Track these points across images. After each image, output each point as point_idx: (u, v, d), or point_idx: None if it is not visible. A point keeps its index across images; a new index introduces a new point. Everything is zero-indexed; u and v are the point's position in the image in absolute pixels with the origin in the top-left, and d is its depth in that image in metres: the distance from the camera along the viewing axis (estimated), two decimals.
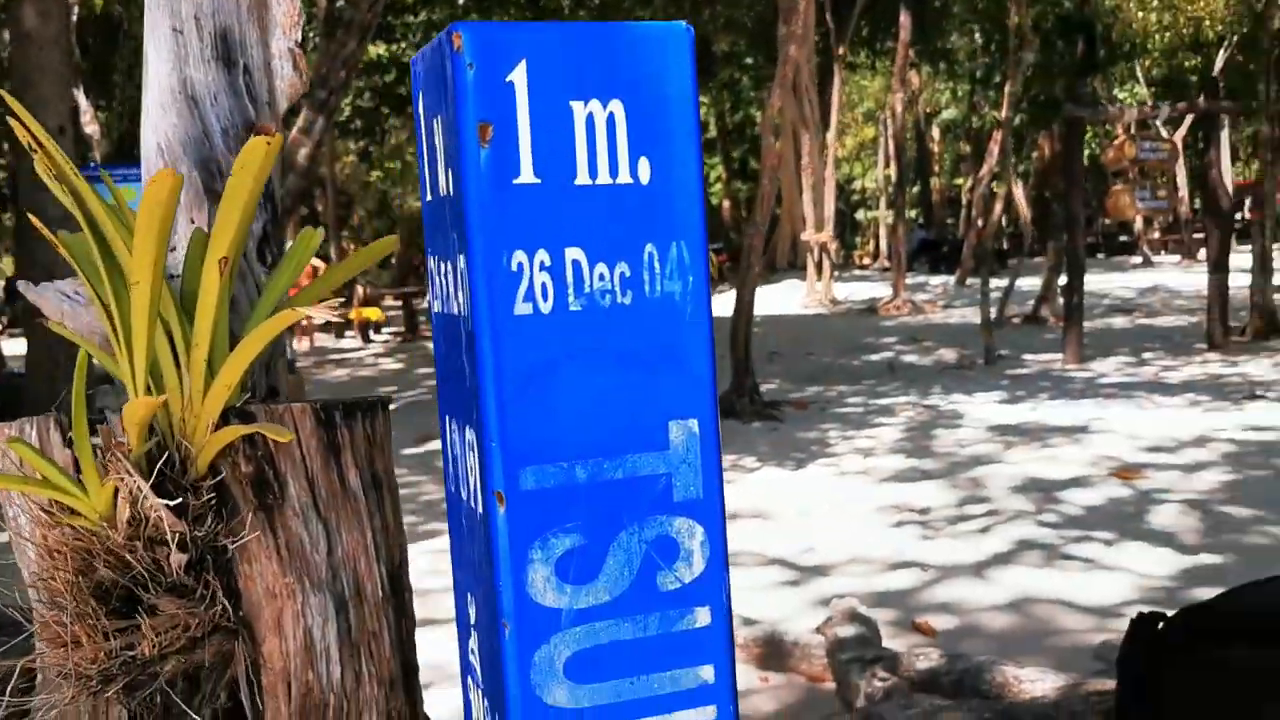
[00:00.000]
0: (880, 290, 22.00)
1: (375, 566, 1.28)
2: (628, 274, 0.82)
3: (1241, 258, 13.14)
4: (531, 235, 0.80)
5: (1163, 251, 32.41)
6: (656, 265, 0.83)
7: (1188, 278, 21.99)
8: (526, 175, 0.80)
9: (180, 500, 1.13)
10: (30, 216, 1.55)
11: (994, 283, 13.36)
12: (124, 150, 18.00)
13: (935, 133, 38.46)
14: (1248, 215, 22.33)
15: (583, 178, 0.81)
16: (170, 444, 1.17)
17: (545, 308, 0.80)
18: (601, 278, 0.82)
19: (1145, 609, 3.04)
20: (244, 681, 1.22)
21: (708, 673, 0.83)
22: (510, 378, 0.79)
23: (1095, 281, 15.88)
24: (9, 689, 1.35)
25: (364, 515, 1.27)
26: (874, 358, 13.72)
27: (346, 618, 1.25)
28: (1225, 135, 15.68)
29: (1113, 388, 10.25)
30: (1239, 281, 13.30)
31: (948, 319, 18.02)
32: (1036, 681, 3.65)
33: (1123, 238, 34.44)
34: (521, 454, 0.80)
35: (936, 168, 40.00)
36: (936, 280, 26.41)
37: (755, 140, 36.78)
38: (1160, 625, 2.82)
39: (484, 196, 0.78)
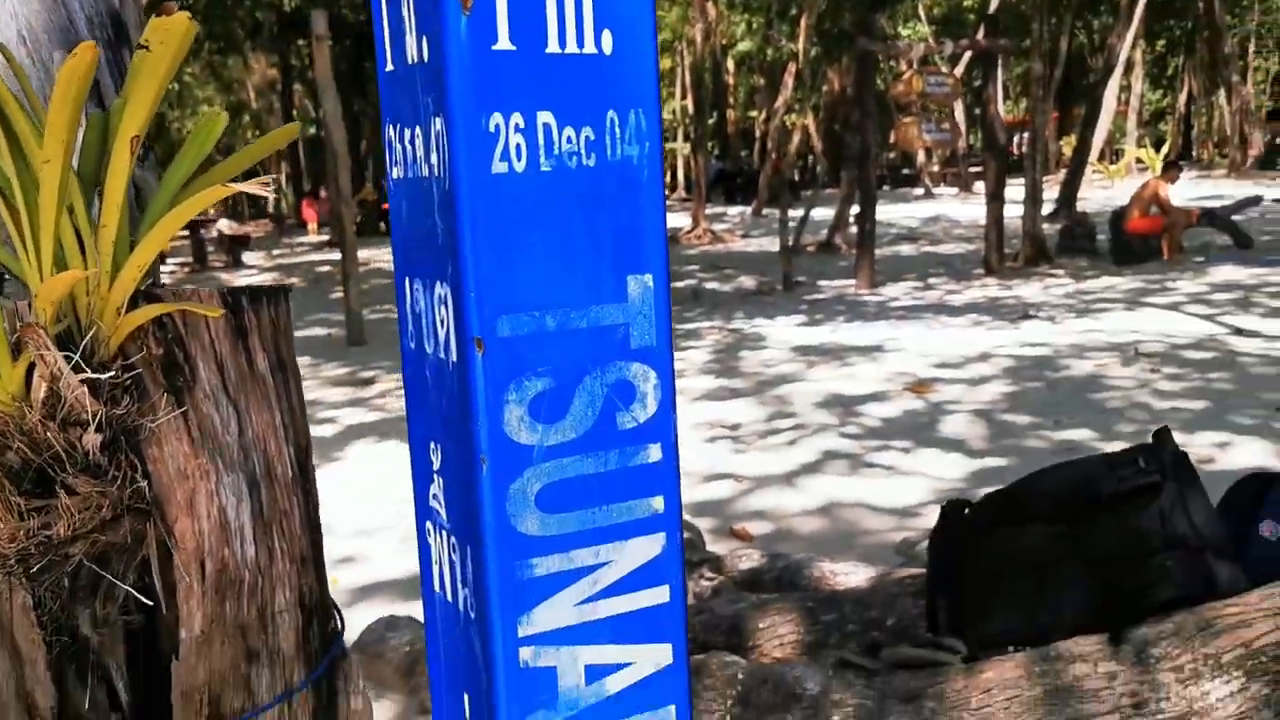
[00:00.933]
0: (680, 220, 22.39)
1: (284, 447, 1.31)
2: (592, 138, 0.89)
3: (1014, 190, 14.02)
4: (507, 98, 0.85)
5: (942, 184, 34.13)
6: (617, 130, 0.90)
7: (966, 209, 23.30)
8: (503, 42, 0.85)
9: (95, 380, 1.14)
10: None
11: (790, 213, 13.82)
12: None
13: (730, 65, 39.08)
14: (1020, 151, 23.74)
15: (553, 46, 0.87)
16: (79, 326, 1.16)
17: (519, 167, 0.86)
18: (569, 140, 0.88)
19: (946, 503, 3.32)
20: (155, 561, 1.24)
21: (659, 503, 0.92)
22: (487, 232, 0.84)
23: (882, 212, 16.61)
24: None
25: (272, 398, 1.30)
26: (678, 285, 14.03)
27: (259, 497, 1.28)
28: (999, 73, 16.60)
29: (903, 310, 10.85)
30: (1012, 212, 14.20)
31: (746, 248, 18.55)
32: (850, 574, 3.93)
33: (905, 171, 36.08)
34: (498, 304, 0.85)
35: (731, 100, 40.71)
36: (734, 210, 27.06)
37: None
38: (966, 511, 3.10)
39: (464, 61, 0.83)
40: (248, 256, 20.11)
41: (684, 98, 31.08)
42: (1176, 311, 9.80)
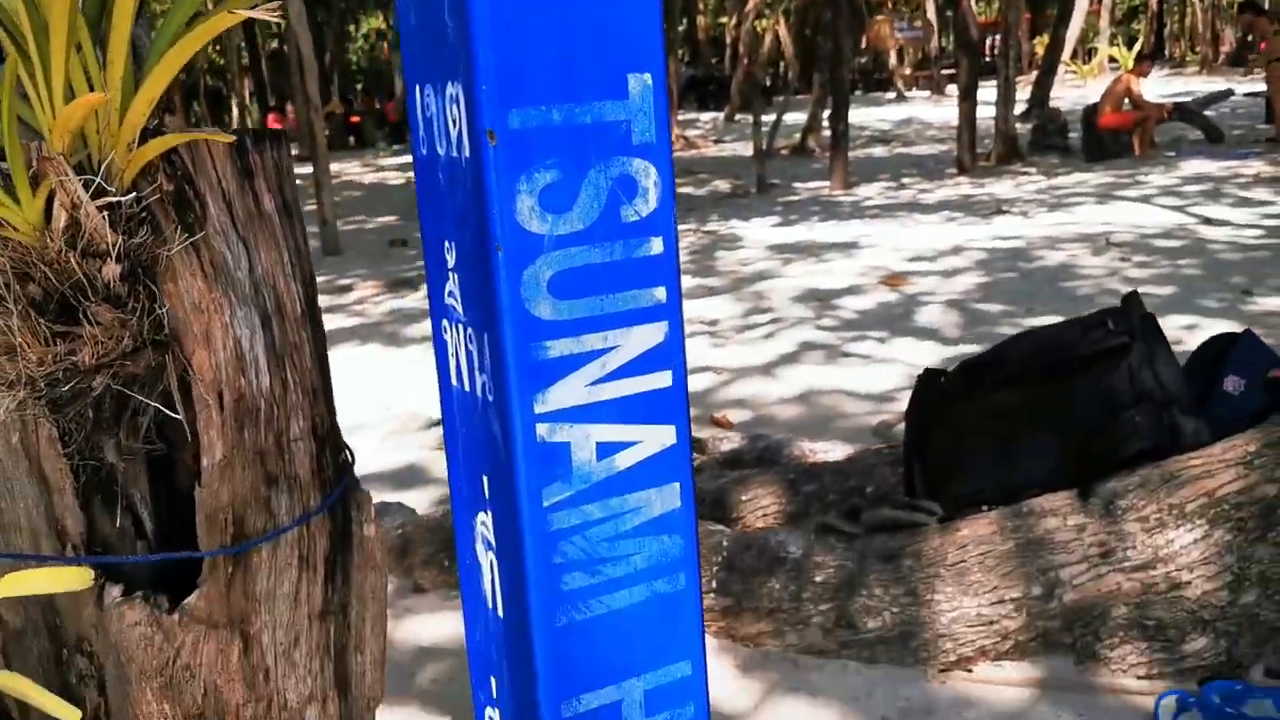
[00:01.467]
0: None
1: (293, 285, 1.37)
2: None
3: (987, 92, 14.00)
4: None
5: (914, 87, 33.91)
6: None
7: (938, 111, 23.20)
8: None
9: (113, 208, 1.18)
10: None
11: (762, 118, 13.76)
12: None
13: None
14: (993, 53, 23.53)
15: None
16: (92, 162, 1.20)
17: None
18: None
19: (922, 371, 3.42)
20: (175, 391, 1.30)
21: (661, 293, 0.98)
22: (497, 29, 0.89)
23: (854, 115, 16.56)
24: None
25: (279, 236, 1.35)
26: None
27: (271, 331, 1.33)
28: None
29: (877, 209, 10.90)
30: (985, 113, 14.19)
31: (720, 153, 18.48)
32: (829, 451, 4.04)
33: (877, 75, 35.78)
34: (508, 97, 0.90)
35: (701, 6, 40.10)
36: (706, 117, 26.84)
37: None
38: (942, 379, 3.19)
39: None
40: None
41: None
42: (1147, 204, 9.90)
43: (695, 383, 5.60)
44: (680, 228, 8.29)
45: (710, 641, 3.13)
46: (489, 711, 1.06)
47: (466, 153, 0.93)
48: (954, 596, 2.89)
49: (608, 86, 0.94)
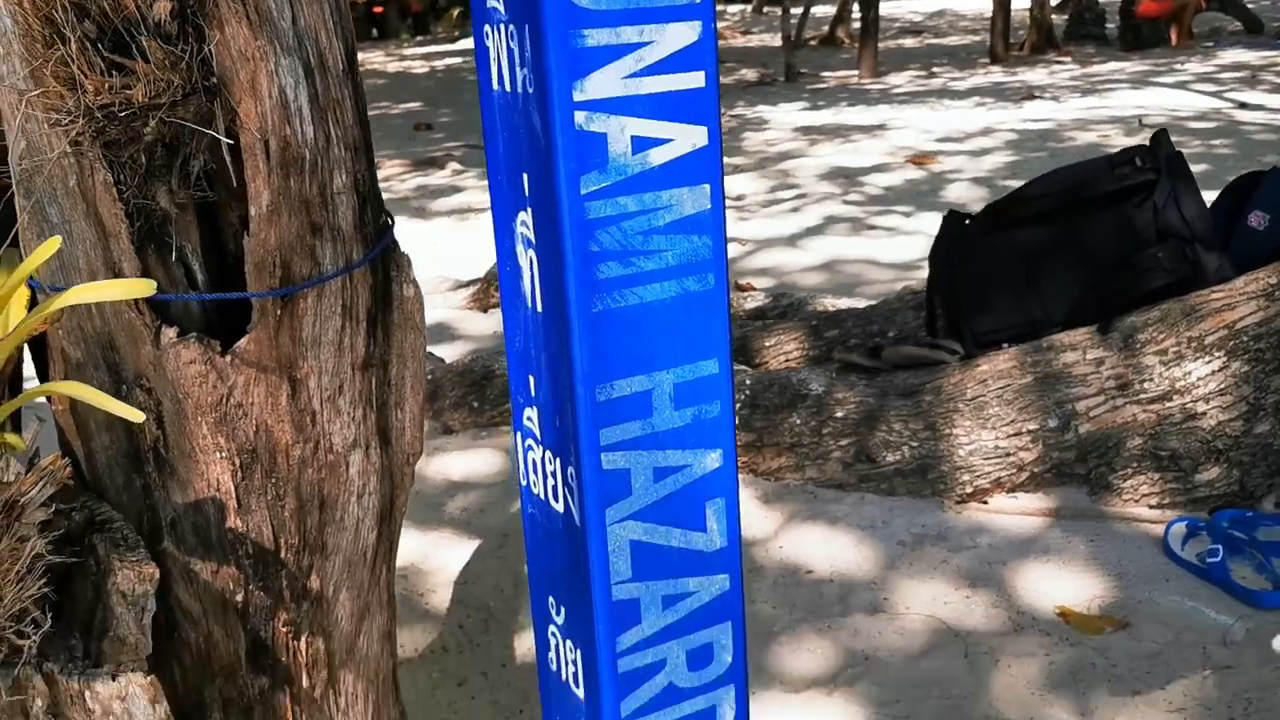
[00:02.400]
0: None
1: (334, 40, 1.40)
2: None
3: None
4: None
5: None
6: None
7: (972, 2, 22.68)
8: None
9: None
10: None
11: (791, 9, 13.53)
12: None
13: None
14: None
15: None
16: None
17: None
18: None
19: (946, 212, 3.43)
20: (223, 139, 1.34)
21: None
22: None
23: (885, 7, 16.22)
24: None
25: None
26: None
27: (314, 83, 1.37)
28: None
29: (906, 95, 10.76)
30: (1019, 4, 13.89)
31: (747, 43, 18.18)
32: (851, 306, 4.09)
33: None
34: None
35: None
36: (734, 9, 26.32)
37: None
38: (967, 221, 3.21)
39: None
40: None
41: None
42: (1183, 89, 9.73)
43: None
44: None
45: None
46: (528, 412, 1.12)
47: None
48: (972, 430, 2.96)
49: None
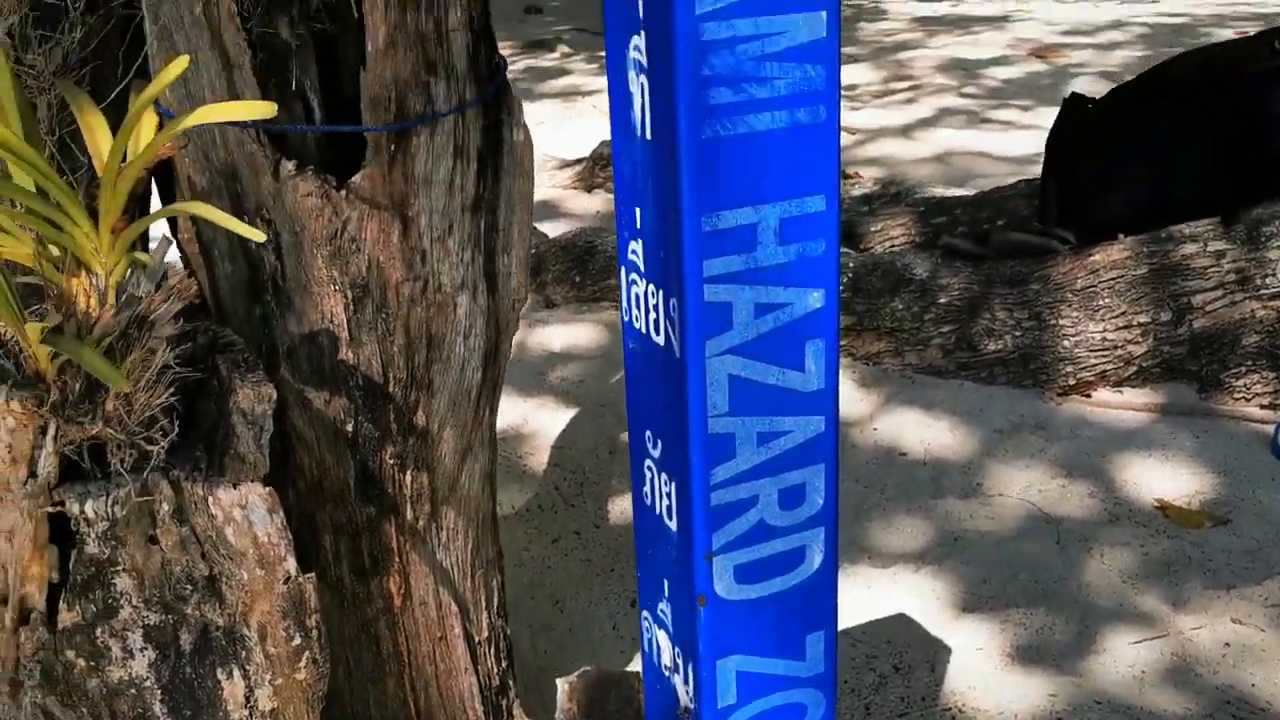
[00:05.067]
0: None
1: None
2: None
3: None
4: None
5: None
6: None
7: None
8: None
9: None
10: None
11: None
12: None
13: None
14: None
15: None
16: None
17: None
18: None
19: (1069, 94, 3.31)
20: None
21: None
22: None
23: None
24: None
25: None
26: None
27: None
28: None
29: None
30: None
31: None
32: (962, 194, 3.99)
33: None
34: None
35: None
36: None
37: None
38: (1090, 105, 3.10)
39: None
40: None
41: None
42: None
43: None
44: None
45: None
46: (632, 245, 1.13)
47: None
48: (1079, 321, 2.90)
49: None
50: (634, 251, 1.13)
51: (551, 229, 4.40)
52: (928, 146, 5.42)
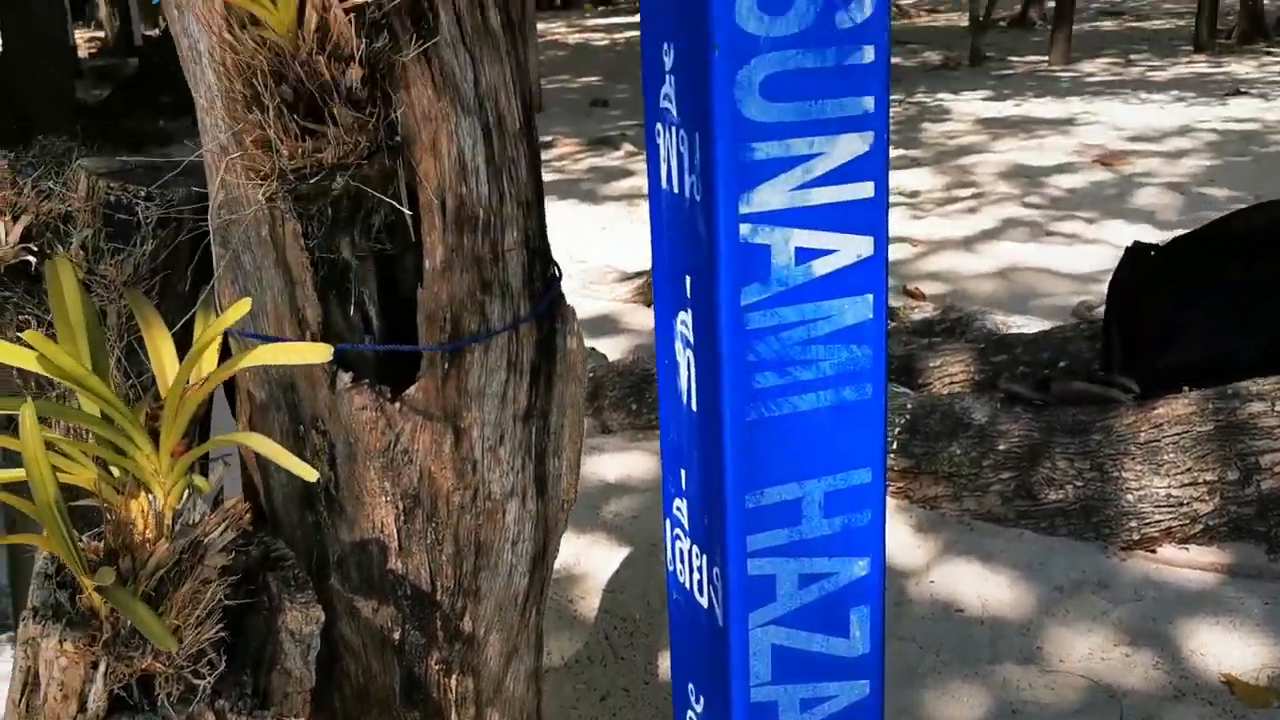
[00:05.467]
0: None
1: (513, 100, 1.43)
2: None
3: None
4: None
5: None
6: None
7: None
8: None
9: (358, 15, 1.26)
10: None
11: None
12: None
13: None
14: None
15: None
16: None
17: None
18: None
19: (1131, 243, 3.28)
20: (404, 195, 1.39)
21: (869, 103, 0.99)
22: None
23: None
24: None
25: (503, 52, 1.41)
26: None
27: (491, 143, 1.41)
28: None
29: (1098, 86, 10.29)
30: None
31: (932, 23, 17.69)
32: (1023, 327, 3.96)
33: None
34: None
35: None
36: None
37: None
38: (1152, 253, 3.07)
39: None
40: None
41: None
42: None
43: (891, 253, 5.50)
44: None
45: (888, 501, 3.17)
46: (677, 503, 1.14)
47: None
48: (1143, 475, 2.84)
49: None
50: (679, 509, 1.13)
51: (610, 346, 4.43)
52: (990, 260, 5.40)
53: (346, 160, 1.34)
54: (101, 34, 20.09)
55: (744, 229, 0.96)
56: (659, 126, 1.08)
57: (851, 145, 0.98)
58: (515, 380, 1.48)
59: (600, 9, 23.65)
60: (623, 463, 3.44)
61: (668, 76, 1.04)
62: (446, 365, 1.43)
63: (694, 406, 1.05)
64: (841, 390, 1.02)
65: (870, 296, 1.01)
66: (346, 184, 1.37)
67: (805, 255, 0.98)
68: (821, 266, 0.99)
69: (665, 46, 1.04)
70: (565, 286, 4.74)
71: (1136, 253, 3.08)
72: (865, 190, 1.00)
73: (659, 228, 1.11)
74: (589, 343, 4.39)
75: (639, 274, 5.11)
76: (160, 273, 1.52)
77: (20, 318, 1.51)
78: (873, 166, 1.00)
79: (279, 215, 1.39)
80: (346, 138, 1.31)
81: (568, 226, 6.23)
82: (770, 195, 0.96)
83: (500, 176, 1.42)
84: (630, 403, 3.65)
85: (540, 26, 14.47)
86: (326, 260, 1.45)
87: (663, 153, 1.07)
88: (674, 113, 1.03)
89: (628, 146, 8.32)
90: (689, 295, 1.01)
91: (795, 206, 0.97)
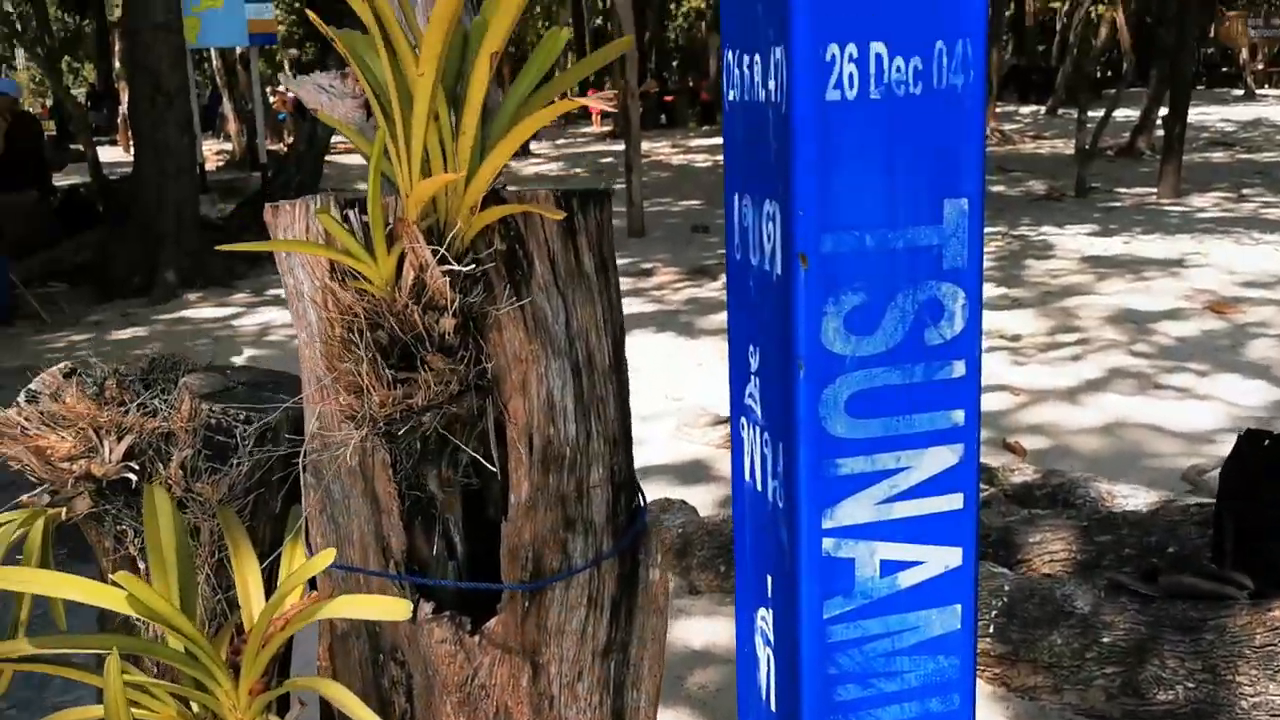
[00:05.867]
0: None
1: (604, 339, 1.44)
2: (920, 67, 0.94)
3: None
4: (844, 30, 0.91)
5: (1266, 85, 30.97)
6: (944, 60, 0.94)
7: None
8: None
9: (452, 270, 1.29)
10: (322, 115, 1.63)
11: (1089, 113, 12.98)
12: None
13: None
14: None
15: None
16: (439, 223, 1.31)
17: (851, 95, 0.92)
18: (898, 70, 0.93)
19: (1243, 431, 3.15)
20: (492, 433, 1.40)
21: (959, 416, 0.98)
22: (818, 156, 0.91)
23: (1194, 114, 15.32)
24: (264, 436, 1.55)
25: (594, 292, 1.42)
26: None
27: (580, 382, 1.41)
28: None
29: (1210, 223, 10.08)
30: None
31: (1038, 150, 17.62)
32: (1130, 497, 3.81)
33: (1224, 69, 32.91)
34: (823, 222, 0.93)
35: None
36: (1026, 110, 25.62)
37: None
38: (1267, 441, 2.94)
39: None
40: (534, 145, 20.98)
41: None
42: None
43: (989, 402, 5.40)
44: (987, 230, 8.04)
45: (983, 687, 3.05)
46: None
47: (778, 270, 0.96)
48: (1258, 681, 2.68)
49: (923, 212, 0.94)
50: None
51: (701, 497, 4.38)
52: (1095, 414, 5.25)
53: (436, 402, 1.36)
54: (229, 147, 21.14)
55: (827, 543, 0.94)
56: (743, 420, 1.07)
57: (940, 458, 0.96)
58: (595, 616, 1.46)
59: (704, 128, 24.10)
60: (709, 629, 3.38)
61: (753, 377, 1.03)
62: (527, 602, 1.42)
63: (773, 707, 1.02)
64: (927, 702, 0.98)
65: (958, 607, 0.97)
66: (434, 418, 1.39)
67: (891, 568, 0.95)
68: (907, 579, 0.96)
69: (751, 348, 1.03)
70: (658, 428, 4.75)
71: (1250, 441, 2.96)
72: (954, 502, 0.97)
73: (741, 517, 1.09)
74: (678, 493, 4.37)
75: None
76: (254, 490, 1.55)
77: (118, 528, 1.54)
78: (962, 478, 0.97)
79: (369, 447, 1.41)
80: (436, 382, 1.33)
81: (664, 361, 6.26)
82: (855, 509, 0.94)
83: (588, 415, 1.42)
84: (719, 564, 3.59)
85: (644, 146, 14.78)
86: (413, 489, 1.46)
87: (746, 447, 1.06)
88: (758, 414, 1.02)
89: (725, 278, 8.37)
90: (769, 595, 0.99)
91: (881, 520, 0.95)
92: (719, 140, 20.38)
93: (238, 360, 6.54)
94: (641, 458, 5.15)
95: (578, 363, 1.41)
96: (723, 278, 8.39)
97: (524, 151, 19.74)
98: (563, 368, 1.39)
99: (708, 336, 6.85)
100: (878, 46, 0.92)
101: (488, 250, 1.32)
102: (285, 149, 17.54)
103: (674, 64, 38.53)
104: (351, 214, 1.35)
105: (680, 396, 5.64)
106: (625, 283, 8.70)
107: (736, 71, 1.02)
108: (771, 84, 0.94)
